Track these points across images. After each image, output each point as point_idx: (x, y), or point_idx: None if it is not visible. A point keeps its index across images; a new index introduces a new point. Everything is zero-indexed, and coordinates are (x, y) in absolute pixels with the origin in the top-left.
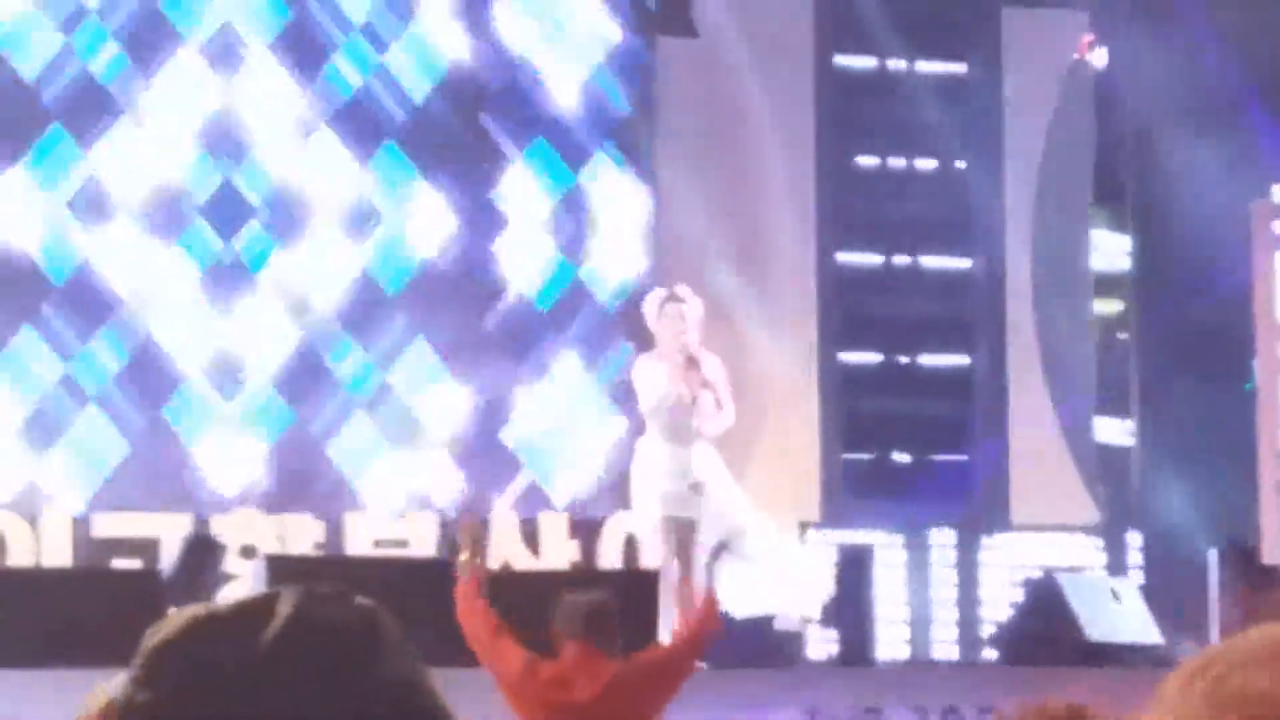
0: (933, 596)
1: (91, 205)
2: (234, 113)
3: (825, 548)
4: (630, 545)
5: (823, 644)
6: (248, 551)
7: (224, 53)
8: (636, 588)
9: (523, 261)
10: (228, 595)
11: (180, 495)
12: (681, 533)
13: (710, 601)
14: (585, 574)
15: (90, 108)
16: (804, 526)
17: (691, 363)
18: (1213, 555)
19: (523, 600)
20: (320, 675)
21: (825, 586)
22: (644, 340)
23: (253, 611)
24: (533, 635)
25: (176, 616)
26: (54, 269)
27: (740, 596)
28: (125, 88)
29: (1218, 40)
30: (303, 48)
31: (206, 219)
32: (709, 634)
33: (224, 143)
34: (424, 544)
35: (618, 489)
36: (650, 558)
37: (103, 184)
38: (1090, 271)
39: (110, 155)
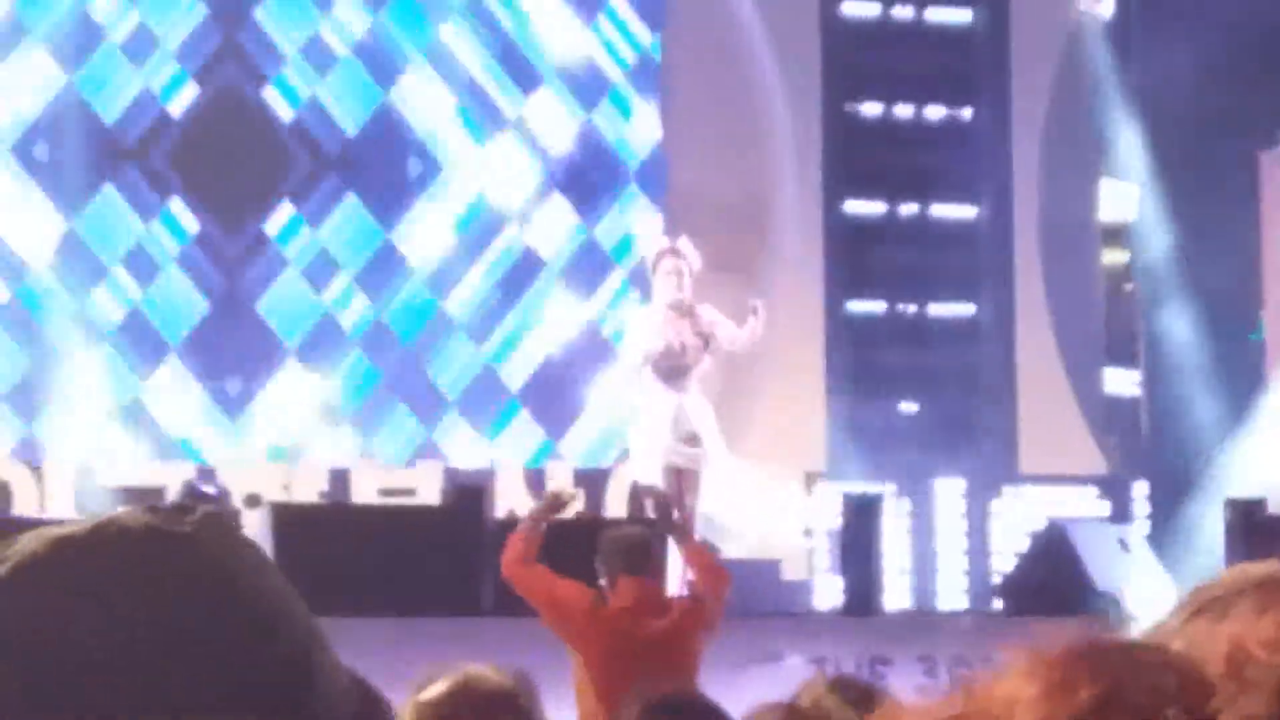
0: (939, 546)
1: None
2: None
3: (831, 498)
4: (635, 494)
5: (830, 593)
6: (252, 500)
7: None
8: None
9: (531, 208)
10: None
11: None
12: (684, 482)
13: (712, 559)
14: (592, 522)
15: None
16: (811, 477)
17: (685, 313)
18: (1221, 505)
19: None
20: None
21: (825, 537)
22: (648, 289)
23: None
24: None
25: (23, 541)
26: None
27: (735, 542)
28: None
29: None
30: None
31: None
32: (725, 584)
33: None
34: (430, 492)
35: (620, 438)
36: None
37: None
38: (1098, 221)
39: None
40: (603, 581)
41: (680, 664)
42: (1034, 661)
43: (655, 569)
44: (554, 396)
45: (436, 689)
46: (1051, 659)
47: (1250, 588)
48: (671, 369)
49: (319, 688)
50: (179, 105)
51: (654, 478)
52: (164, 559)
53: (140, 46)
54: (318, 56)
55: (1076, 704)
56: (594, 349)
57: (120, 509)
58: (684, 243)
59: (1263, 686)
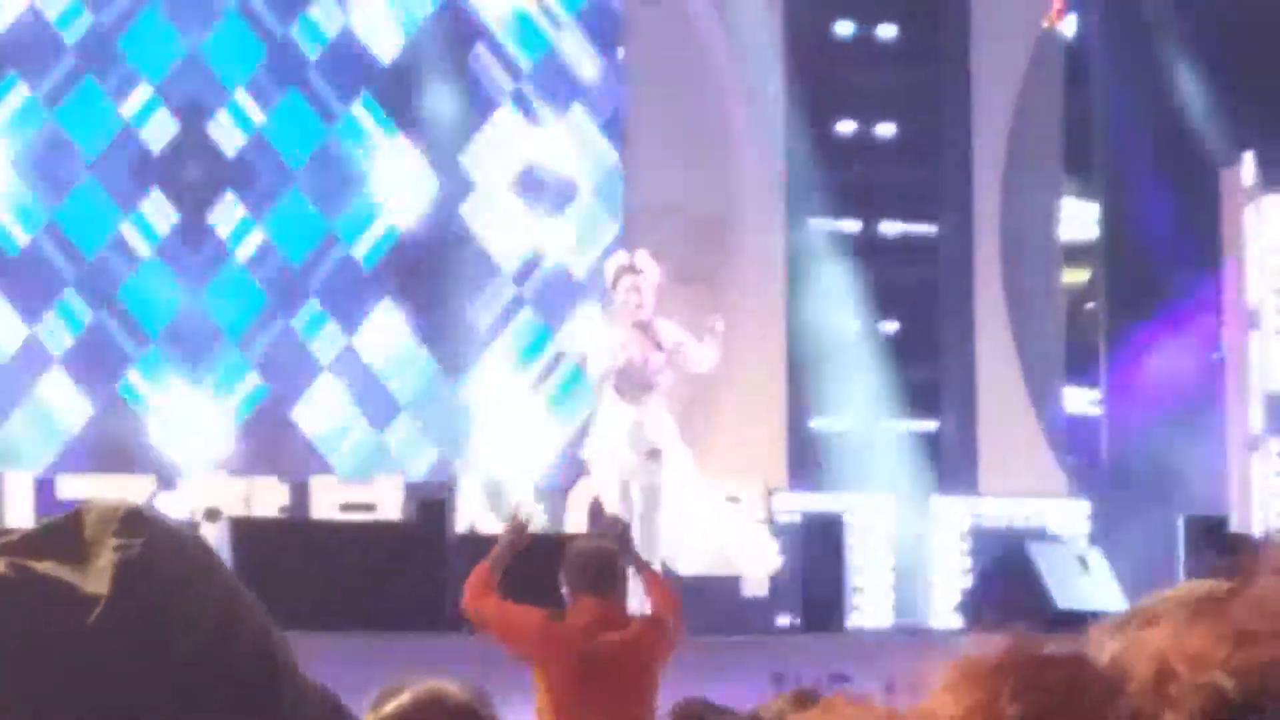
0: (900, 563)
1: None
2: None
3: (790, 514)
4: (595, 511)
5: (789, 611)
6: (212, 514)
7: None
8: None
9: (491, 223)
10: None
11: (145, 458)
12: (643, 497)
13: (664, 584)
14: (555, 538)
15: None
16: (770, 491)
17: (644, 328)
18: (1180, 523)
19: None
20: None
21: (776, 552)
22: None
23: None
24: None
25: None
26: (10, 235)
27: (695, 558)
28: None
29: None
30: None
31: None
32: (679, 613)
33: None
34: (390, 508)
35: (578, 455)
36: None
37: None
38: (1059, 241)
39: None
40: (565, 592)
41: (639, 682)
42: (959, 677)
43: (619, 588)
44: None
45: (398, 702)
46: (976, 674)
47: (1189, 600)
48: (631, 384)
49: (285, 687)
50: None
51: (612, 492)
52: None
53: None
54: None
55: None
56: None
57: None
58: (641, 257)
59: (1184, 706)
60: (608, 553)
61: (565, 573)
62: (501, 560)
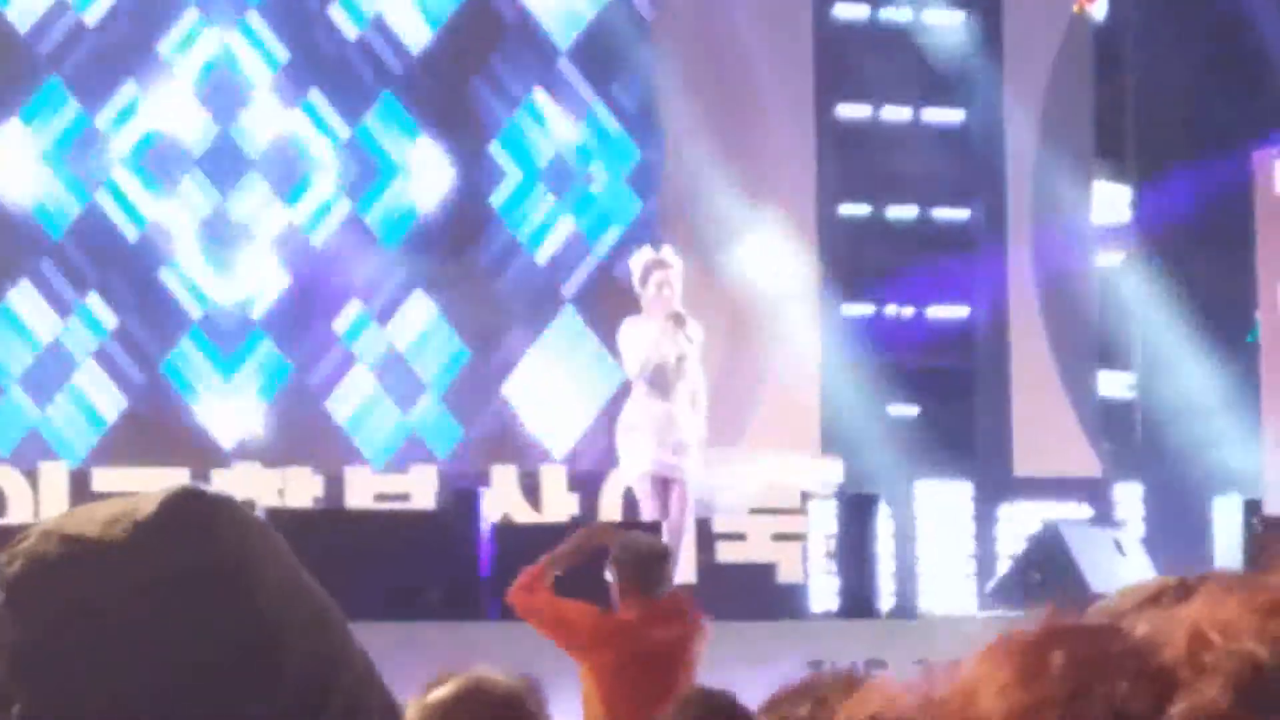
0: (935, 548)
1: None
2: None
3: (826, 502)
4: (630, 499)
5: (825, 596)
6: (246, 506)
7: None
8: None
9: (521, 212)
10: None
11: (179, 449)
12: (671, 493)
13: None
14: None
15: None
16: (805, 496)
17: (678, 322)
18: (1215, 507)
19: (527, 553)
20: (191, 610)
21: (821, 540)
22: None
23: (119, 527)
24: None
25: (33, 539)
26: (51, 222)
27: (733, 546)
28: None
29: None
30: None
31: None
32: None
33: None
34: (424, 498)
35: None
36: (645, 513)
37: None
38: (1092, 224)
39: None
40: (613, 587)
41: (683, 674)
42: (1005, 646)
43: (666, 585)
44: (548, 398)
45: (444, 691)
46: (1022, 644)
47: (1223, 578)
48: (662, 379)
49: (344, 681)
50: None
51: (641, 486)
52: (178, 559)
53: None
54: None
55: (1047, 690)
56: None
57: (128, 495)
58: (668, 252)
59: (1218, 672)
60: (659, 549)
61: (616, 566)
62: (564, 560)
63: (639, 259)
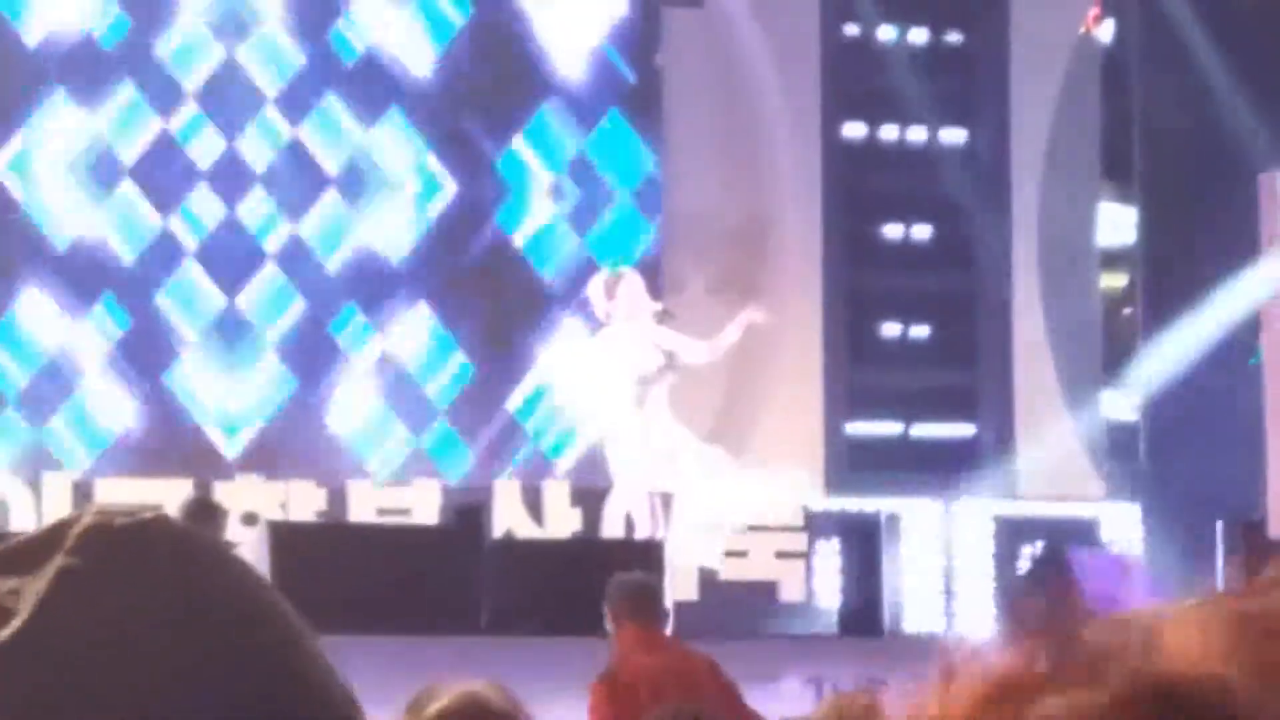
0: (938, 566)
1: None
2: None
3: (829, 518)
4: (628, 525)
5: (827, 614)
6: (249, 518)
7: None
8: (640, 559)
9: (527, 229)
10: None
11: (183, 461)
12: (659, 503)
13: None
14: (588, 544)
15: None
16: (806, 510)
17: (646, 333)
18: (1219, 528)
19: (530, 570)
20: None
21: (826, 557)
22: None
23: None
24: (539, 604)
25: None
26: (57, 233)
27: (731, 563)
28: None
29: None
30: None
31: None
32: None
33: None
34: (427, 512)
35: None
36: (643, 530)
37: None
38: (1097, 246)
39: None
40: (608, 619)
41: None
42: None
43: (659, 616)
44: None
45: (436, 706)
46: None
47: (1208, 601)
48: (639, 390)
49: (308, 688)
50: None
51: (641, 503)
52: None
53: None
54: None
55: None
56: None
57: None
58: (626, 270)
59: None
60: (650, 585)
61: (609, 602)
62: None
63: (597, 281)
